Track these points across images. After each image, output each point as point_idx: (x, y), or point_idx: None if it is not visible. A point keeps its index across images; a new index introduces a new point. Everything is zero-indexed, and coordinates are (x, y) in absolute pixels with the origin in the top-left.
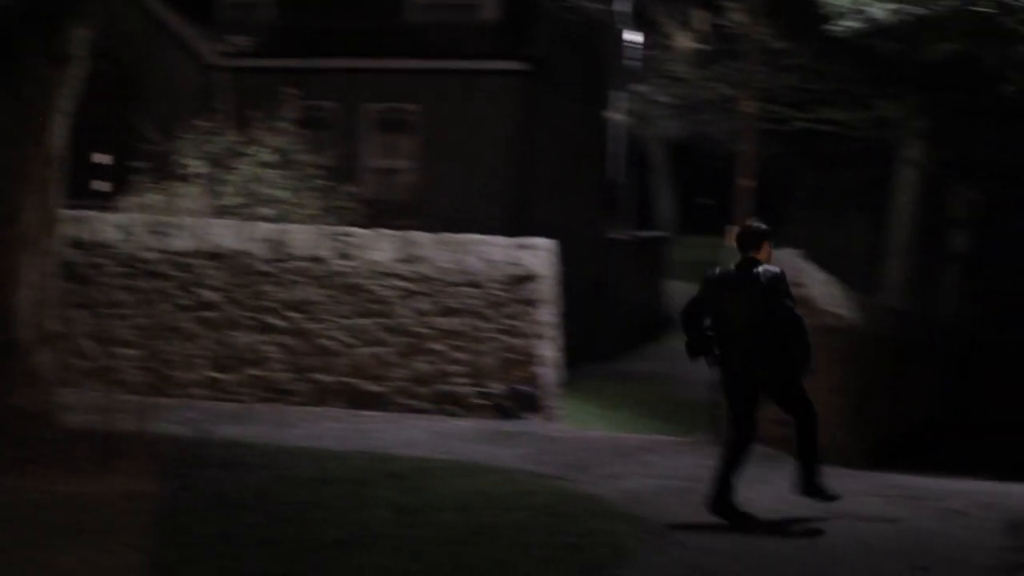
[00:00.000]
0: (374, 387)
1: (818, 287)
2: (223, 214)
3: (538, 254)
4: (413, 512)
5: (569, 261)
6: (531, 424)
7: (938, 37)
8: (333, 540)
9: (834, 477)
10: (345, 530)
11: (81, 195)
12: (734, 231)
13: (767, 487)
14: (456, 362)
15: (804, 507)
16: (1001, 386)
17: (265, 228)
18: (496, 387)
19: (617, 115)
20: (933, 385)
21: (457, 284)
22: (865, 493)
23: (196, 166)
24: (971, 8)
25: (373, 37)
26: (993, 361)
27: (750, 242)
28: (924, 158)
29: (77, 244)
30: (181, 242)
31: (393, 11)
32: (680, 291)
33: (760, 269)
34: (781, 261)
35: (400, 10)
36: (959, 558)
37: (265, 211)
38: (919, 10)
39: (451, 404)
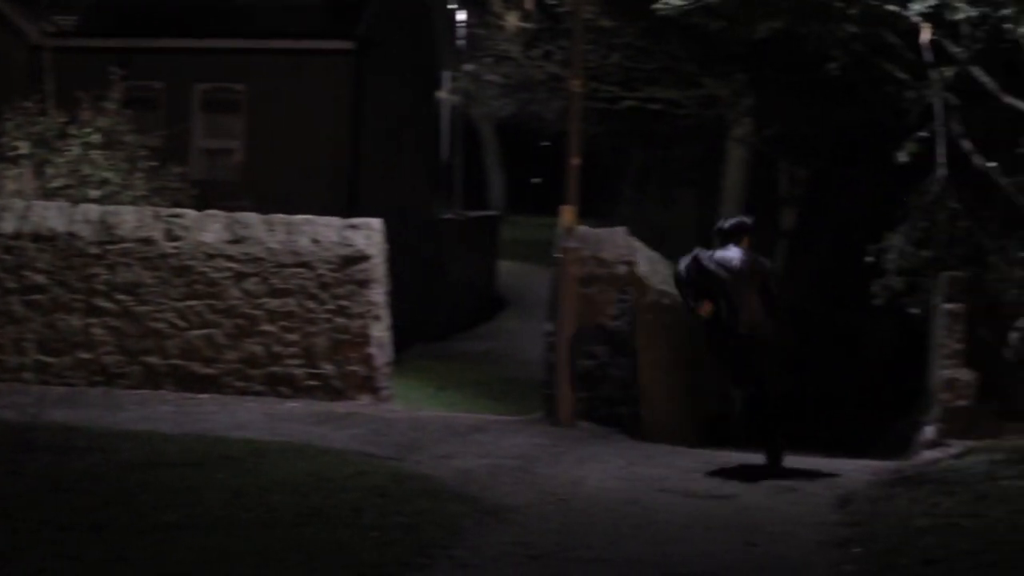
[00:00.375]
0: (206, 369)
1: (647, 265)
2: (50, 196)
3: (369, 234)
4: (247, 494)
5: (400, 241)
6: (363, 405)
7: (763, 15)
8: (167, 523)
9: (666, 455)
10: (178, 513)
11: None
12: (569, 210)
13: (599, 465)
14: (288, 343)
15: (634, 484)
16: (827, 363)
17: (93, 210)
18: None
19: (447, 95)
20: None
21: (288, 265)
22: (696, 470)
23: (22, 147)
24: None
25: (201, 16)
26: (820, 338)
27: (742, 233)
28: (752, 136)
29: None
30: (7, 224)
31: None
32: (512, 270)
33: (750, 255)
34: (610, 239)
35: None
36: (790, 532)
37: (93, 192)
38: None
39: (283, 386)
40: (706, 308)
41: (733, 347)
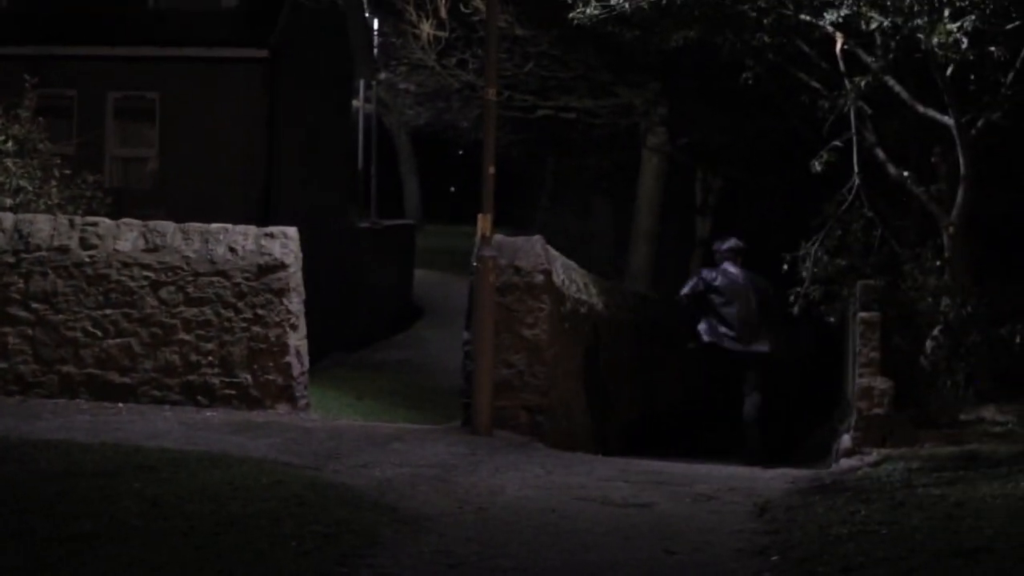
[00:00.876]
0: (122, 379)
1: (563, 273)
2: None
3: (285, 243)
4: (164, 504)
5: (317, 250)
6: (281, 414)
7: (677, 25)
8: (83, 533)
9: (584, 463)
10: (95, 523)
11: None
12: (486, 219)
13: (517, 473)
14: (205, 353)
15: (553, 493)
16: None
17: (7, 218)
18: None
19: (363, 103)
20: (677, 369)
21: (204, 274)
22: (614, 478)
23: None
24: None
25: (115, 24)
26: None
27: (737, 253)
28: (666, 145)
29: None
30: None
31: None
32: (428, 279)
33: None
34: (526, 247)
35: None
36: (709, 541)
37: (7, 201)
38: None
39: (201, 395)
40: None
41: (732, 360)
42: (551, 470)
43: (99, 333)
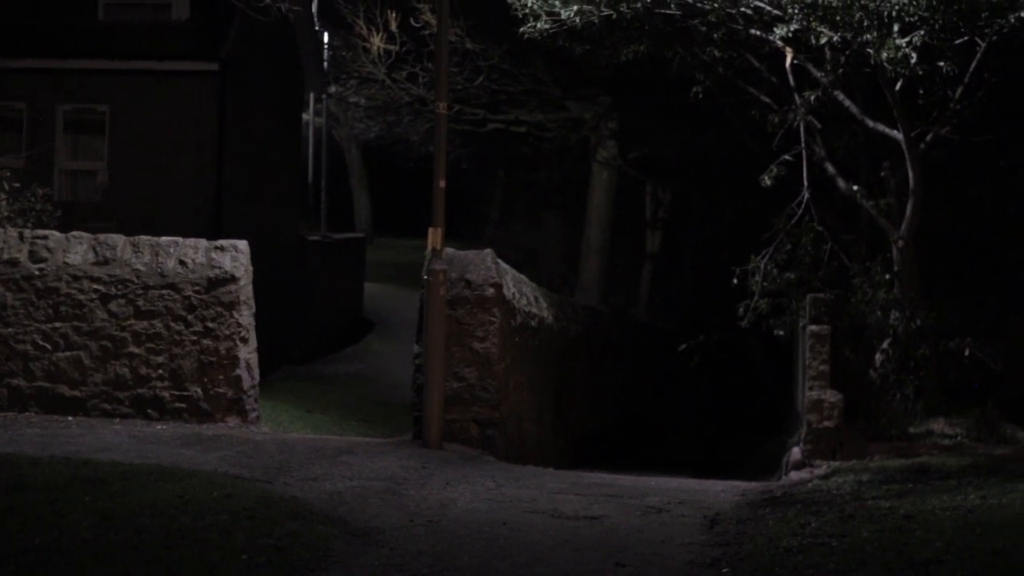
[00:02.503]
0: (72, 392)
1: (514, 287)
2: None
3: (235, 256)
4: (115, 518)
5: (267, 263)
6: (231, 427)
7: (627, 39)
8: (33, 547)
9: (534, 476)
10: (44, 536)
11: None
12: (438, 232)
13: (468, 486)
14: (155, 366)
15: (503, 505)
16: (688, 385)
17: None
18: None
19: (313, 117)
20: (627, 383)
21: (154, 287)
22: (565, 491)
23: None
24: (657, 10)
25: (65, 37)
26: (681, 360)
27: None
28: (616, 159)
29: None
30: None
31: (87, 10)
32: (378, 293)
33: None
34: (477, 261)
35: (94, 9)
36: (659, 553)
37: None
38: (606, 11)
39: (151, 408)
40: None
41: None
42: (502, 483)
43: (49, 346)
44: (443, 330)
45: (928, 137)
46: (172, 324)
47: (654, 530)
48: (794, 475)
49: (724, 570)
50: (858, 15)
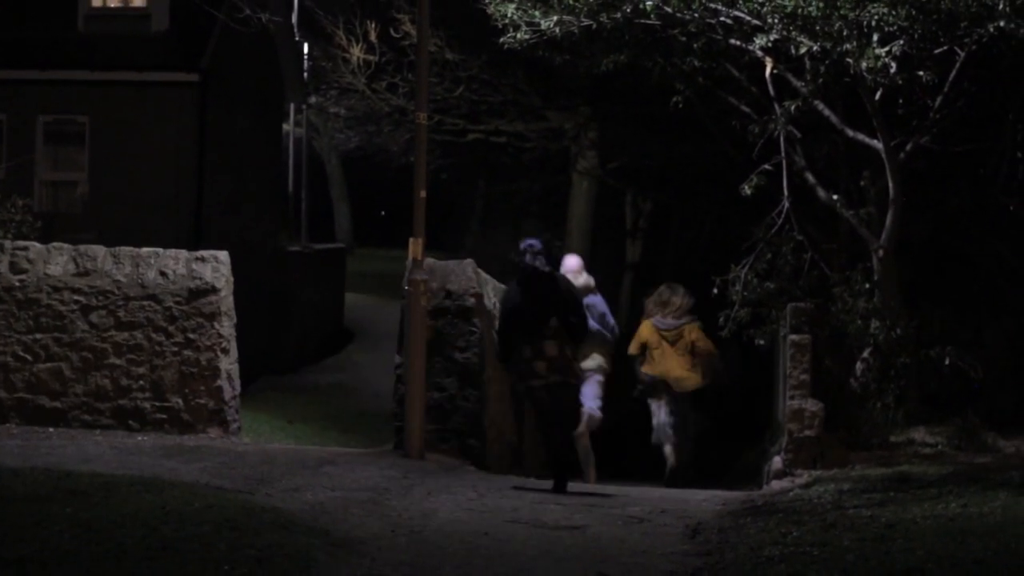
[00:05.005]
0: (53, 403)
1: (493, 296)
2: None
3: (216, 267)
4: (96, 529)
5: (247, 274)
6: (213, 438)
7: (607, 49)
8: (15, 558)
9: (514, 485)
10: (25, 548)
11: None
12: (419, 243)
13: (449, 496)
14: (136, 377)
15: (485, 516)
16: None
17: None
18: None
19: (293, 127)
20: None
21: (135, 298)
22: (547, 501)
23: None
24: (637, 21)
25: (45, 48)
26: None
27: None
28: (596, 169)
29: None
30: None
31: (67, 22)
32: (359, 303)
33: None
34: (458, 271)
35: (74, 21)
36: (641, 563)
37: None
38: (586, 22)
39: (132, 419)
40: None
41: None
42: (483, 493)
43: (29, 357)
44: (424, 340)
45: (908, 146)
46: (153, 335)
47: (636, 539)
48: (775, 484)
49: None
50: (838, 25)
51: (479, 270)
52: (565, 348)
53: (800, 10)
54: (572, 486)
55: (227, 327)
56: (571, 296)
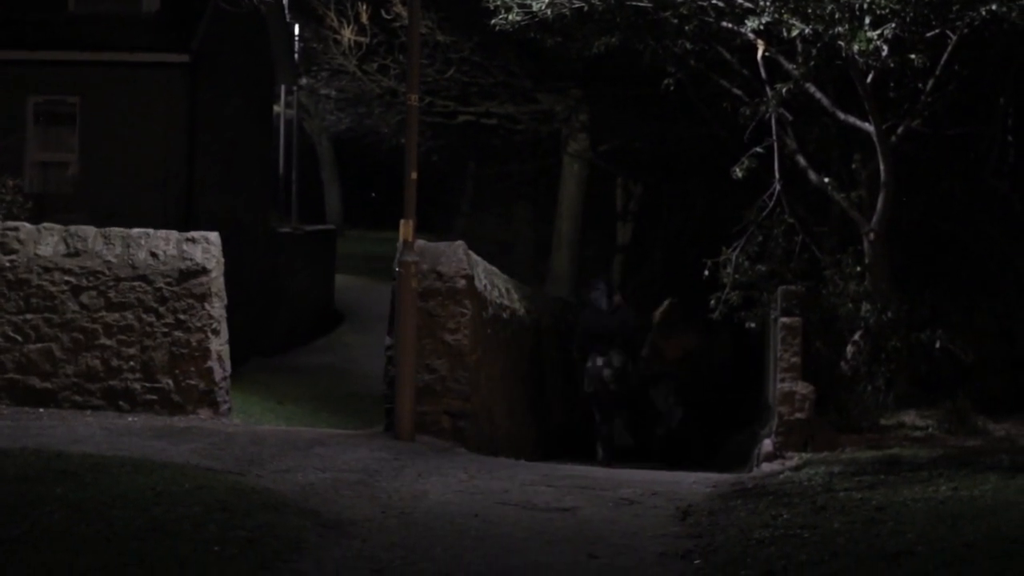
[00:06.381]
0: (43, 384)
1: (485, 279)
2: None
3: (207, 248)
4: (87, 509)
5: (238, 255)
6: (203, 419)
7: (598, 31)
8: (7, 538)
9: (506, 468)
10: (16, 528)
11: None
12: (410, 224)
13: (440, 478)
14: (126, 358)
15: (475, 497)
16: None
17: None
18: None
19: (284, 109)
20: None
21: (125, 279)
22: (538, 483)
23: None
24: (628, 3)
25: (35, 28)
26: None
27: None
28: (587, 151)
29: None
30: None
31: (58, 2)
32: (349, 285)
33: None
34: (449, 253)
35: (65, 1)
36: (632, 545)
37: None
38: (578, 3)
39: (122, 400)
40: None
41: None
42: (474, 475)
43: (20, 338)
44: (415, 322)
45: (899, 130)
46: (144, 316)
47: (627, 521)
48: (766, 467)
49: (696, 561)
50: (829, 7)
51: (470, 252)
52: (625, 361)
53: None
54: (562, 468)
55: (217, 308)
56: (627, 326)
